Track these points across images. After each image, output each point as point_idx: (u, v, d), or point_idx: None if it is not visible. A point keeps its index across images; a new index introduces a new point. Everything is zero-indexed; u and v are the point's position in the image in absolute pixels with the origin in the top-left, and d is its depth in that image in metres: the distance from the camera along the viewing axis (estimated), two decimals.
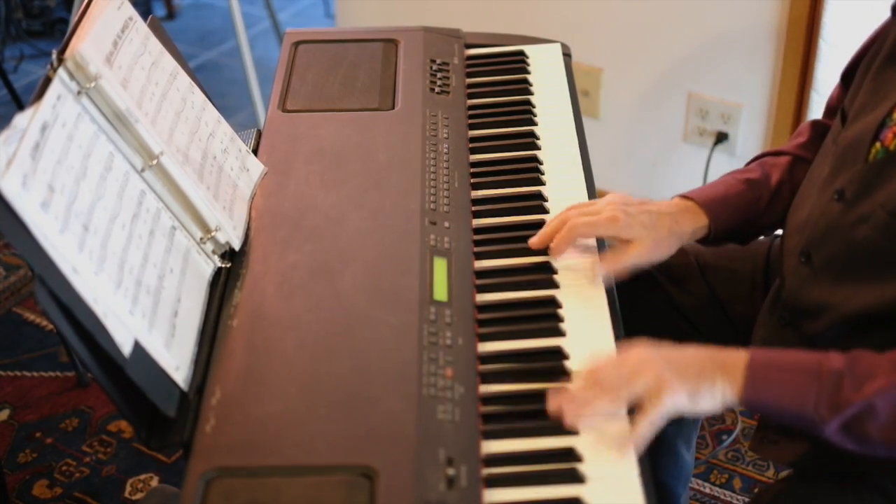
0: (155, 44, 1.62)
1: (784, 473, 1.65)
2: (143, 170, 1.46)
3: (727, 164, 2.98)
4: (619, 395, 1.36)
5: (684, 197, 1.69)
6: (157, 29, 1.66)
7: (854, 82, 1.61)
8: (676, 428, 2.01)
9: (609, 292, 1.57)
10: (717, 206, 1.67)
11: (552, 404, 1.36)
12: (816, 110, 2.81)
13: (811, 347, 1.46)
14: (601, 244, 1.65)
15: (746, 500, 2.47)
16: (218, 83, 4.11)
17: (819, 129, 1.77)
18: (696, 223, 1.66)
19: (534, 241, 1.62)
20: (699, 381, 1.37)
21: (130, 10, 1.57)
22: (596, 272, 1.58)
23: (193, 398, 1.35)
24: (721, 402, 1.39)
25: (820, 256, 1.53)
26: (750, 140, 2.97)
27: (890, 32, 1.55)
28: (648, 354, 1.39)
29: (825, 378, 1.36)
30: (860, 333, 1.47)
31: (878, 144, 1.47)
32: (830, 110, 1.78)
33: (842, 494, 1.51)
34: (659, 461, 2.01)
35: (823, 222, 1.53)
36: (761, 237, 1.80)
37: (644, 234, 1.60)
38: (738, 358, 1.39)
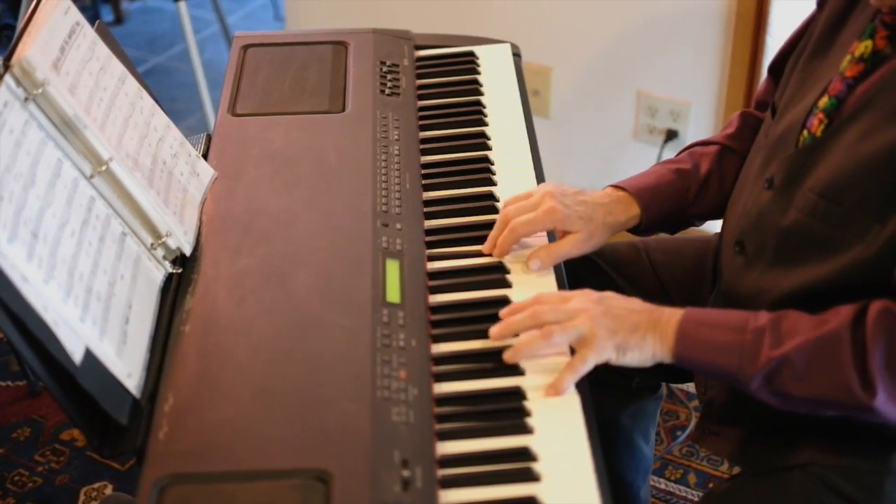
0: (102, 49, 1.61)
1: (737, 469, 1.67)
2: (92, 176, 1.45)
3: None
4: (553, 339, 1.43)
5: (616, 187, 1.72)
6: (104, 34, 1.65)
7: (783, 76, 1.65)
8: (634, 421, 2.02)
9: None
10: (648, 196, 1.71)
11: (494, 333, 1.45)
12: None
13: None
14: (552, 237, 1.67)
15: (702, 494, 2.48)
16: (167, 87, 4.09)
17: (748, 120, 1.82)
18: (628, 213, 1.70)
19: (485, 249, 1.64)
20: (629, 337, 1.44)
21: (77, 16, 1.56)
22: (530, 265, 1.60)
23: (146, 405, 1.34)
24: (651, 358, 1.45)
25: (752, 245, 1.57)
26: (699, 137, 2.97)
27: (815, 25, 1.59)
28: (588, 303, 1.46)
29: (749, 335, 1.42)
30: None
31: (805, 132, 1.51)
32: (759, 104, 1.82)
33: (789, 488, 1.54)
34: (617, 456, 2.02)
35: (755, 211, 1.56)
36: (693, 227, 1.83)
37: (580, 226, 1.63)
38: (672, 315, 1.46)
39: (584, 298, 1.47)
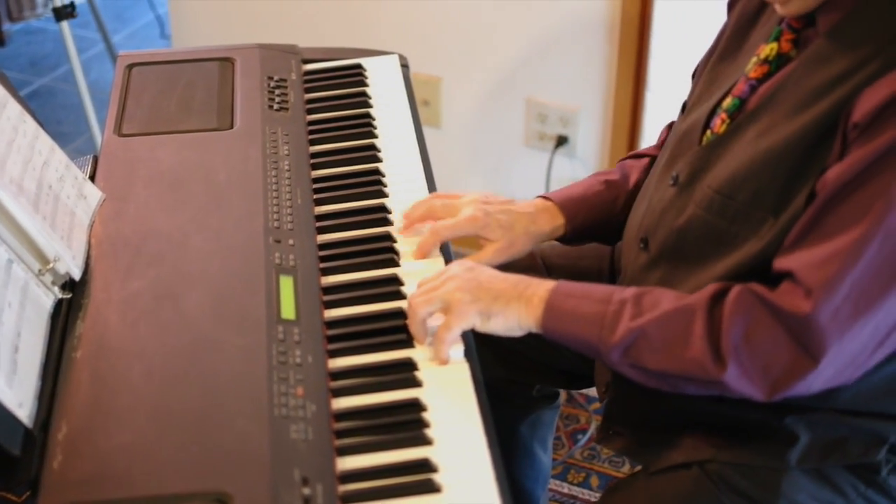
0: None
1: (638, 469, 1.68)
2: None
3: (568, 166, 3.03)
4: (418, 313, 1.48)
5: (544, 197, 1.75)
6: None
7: (695, 78, 1.68)
8: (532, 431, 2.03)
9: None
10: (574, 206, 1.74)
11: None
12: (652, 109, 2.87)
13: None
14: (445, 246, 1.68)
15: None
16: (53, 109, 4.03)
17: None
18: (553, 223, 1.73)
19: (402, 231, 1.69)
20: (492, 304, 1.48)
21: None
22: None
23: (39, 434, 1.31)
24: (518, 327, 1.50)
25: (656, 241, 1.59)
26: (589, 142, 3.01)
27: (725, 29, 1.62)
28: (457, 272, 1.51)
29: (613, 306, 1.45)
30: None
31: (708, 132, 1.54)
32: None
33: (686, 485, 1.56)
34: (516, 465, 2.03)
35: (659, 207, 1.59)
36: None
37: (500, 235, 1.66)
38: (541, 286, 1.50)
39: (456, 268, 1.52)
